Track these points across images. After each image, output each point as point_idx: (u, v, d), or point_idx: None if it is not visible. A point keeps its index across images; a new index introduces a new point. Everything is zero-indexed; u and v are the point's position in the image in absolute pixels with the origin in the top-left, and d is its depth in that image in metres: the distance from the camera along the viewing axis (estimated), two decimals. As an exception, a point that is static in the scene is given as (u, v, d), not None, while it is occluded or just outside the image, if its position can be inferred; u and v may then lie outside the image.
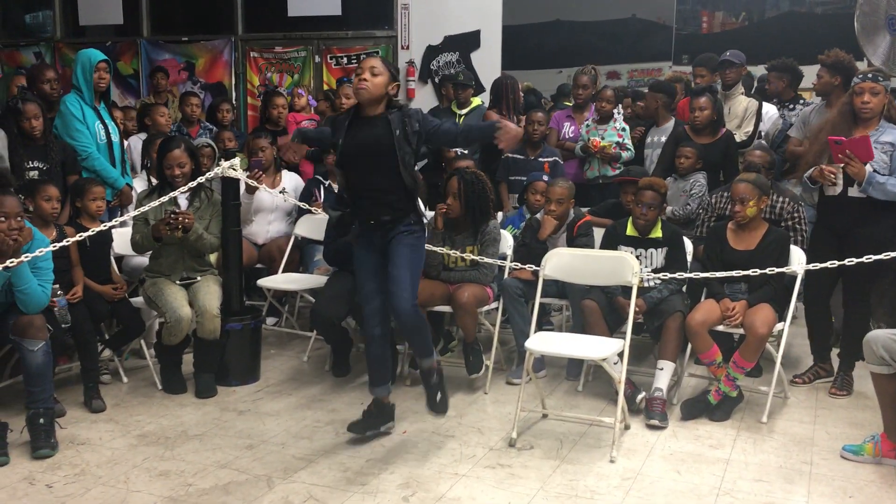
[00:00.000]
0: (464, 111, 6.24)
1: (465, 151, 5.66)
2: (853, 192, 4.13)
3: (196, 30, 8.64)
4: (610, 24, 11.87)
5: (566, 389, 4.42)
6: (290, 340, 5.34)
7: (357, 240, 3.62)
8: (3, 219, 3.49)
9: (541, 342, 3.84)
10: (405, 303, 3.41)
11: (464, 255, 4.42)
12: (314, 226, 5.24)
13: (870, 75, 4.16)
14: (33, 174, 4.49)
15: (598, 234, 4.66)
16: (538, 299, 4.10)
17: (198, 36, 8.59)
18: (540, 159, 5.56)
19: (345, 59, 8.13)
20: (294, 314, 5.70)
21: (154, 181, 4.84)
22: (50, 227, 4.08)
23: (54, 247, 3.74)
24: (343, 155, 3.47)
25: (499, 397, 4.31)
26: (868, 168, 4.00)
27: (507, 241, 4.66)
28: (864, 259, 3.78)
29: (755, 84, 7.06)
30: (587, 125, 5.86)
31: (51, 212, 4.07)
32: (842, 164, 4.01)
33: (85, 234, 3.96)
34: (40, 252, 3.61)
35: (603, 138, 5.71)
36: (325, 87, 7.87)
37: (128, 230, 4.53)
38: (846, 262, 3.83)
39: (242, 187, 4.99)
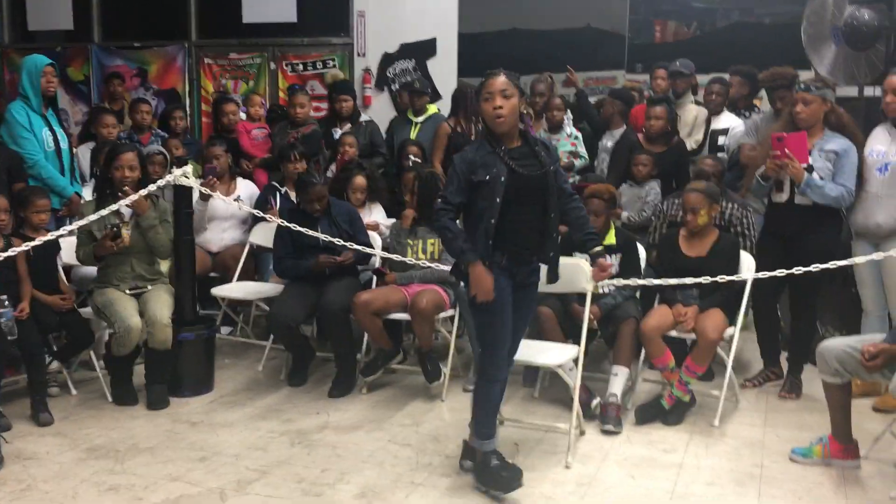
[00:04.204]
0: (420, 119, 6.23)
1: (418, 160, 5.67)
2: (800, 199, 4.22)
3: (149, 35, 8.49)
4: (566, 33, 11.96)
5: (522, 396, 4.44)
6: (246, 350, 5.27)
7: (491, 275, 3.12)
8: None
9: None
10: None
11: (425, 248, 4.49)
12: (269, 234, 5.17)
13: (803, 86, 4.26)
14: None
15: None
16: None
17: (150, 42, 8.45)
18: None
19: (300, 66, 8.07)
20: (249, 323, 5.63)
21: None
22: (-5, 236, 3.99)
23: (-1, 257, 3.65)
24: (509, 189, 3.07)
25: (455, 405, 4.31)
26: (815, 175, 4.10)
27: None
28: (811, 268, 3.85)
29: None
30: (540, 135, 5.90)
31: None
32: (782, 165, 4.09)
33: (30, 245, 3.86)
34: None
35: (556, 147, 5.75)
36: (281, 97, 7.79)
37: (74, 240, 4.43)
38: (794, 270, 3.91)
39: (196, 195, 4.94)
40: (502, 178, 3.07)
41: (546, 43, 11.65)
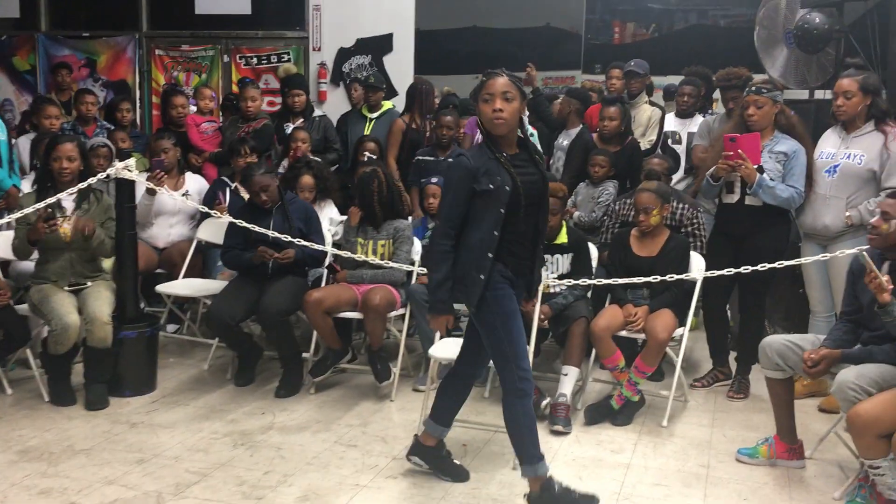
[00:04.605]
0: (374, 115, 6.16)
1: (374, 157, 5.59)
2: (750, 199, 4.24)
3: (98, 25, 8.27)
4: (525, 31, 12.00)
5: (472, 396, 4.32)
6: (192, 349, 5.15)
7: (501, 287, 3.00)
8: None
9: (445, 349, 3.80)
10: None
11: (375, 249, 4.43)
12: (217, 230, 5.06)
13: (754, 88, 4.29)
14: None
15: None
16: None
17: (100, 31, 8.23)
18: (450, 160, 5.52)
19: (254, 60, 7.93)
20: (196, 321, 5.50)
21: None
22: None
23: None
24: (513, 199, 2.92)
25: (405, 405, 4.25)
26: (765, 177, 4.12)
27: (415, 247, 4.61)
28: (759, 267, 3.88)
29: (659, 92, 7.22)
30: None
31: None
32: (735, 165, 4.10)
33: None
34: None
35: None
36: (234, 89, 7.65)
37: (11, 234, 4.28)
38: (742, 269, 3.94)
39: (142, 189, 4.81)
40: (507, 188, 2.89)
41: (504, 41, 11.67)
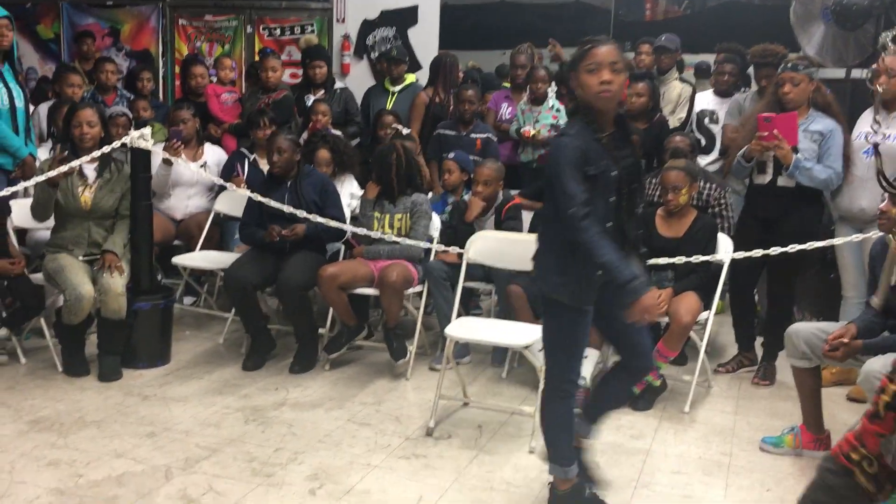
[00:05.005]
0: (397, 88, 6.05)
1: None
2: (782, 180, 4.10)
3: (122, -6, 8.23)
4: (553, 6, 11.76)
5: (490, 376, 4.31)
6: (208, 322, 5.10)
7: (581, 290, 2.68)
8: None
9: (462, 328, 3.71)
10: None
11: (392, 223, 4.35)
12: (235, 203, 5.00)
13: (790, 65, 4.12)
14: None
15: (528, 217, 4.55)
16: (461, 284, 3.97)
17: (123, 0, 8.18)
18: (472, 136, 5.42)
19: (278, 31, 7.83)
20: (214, 294, 5.45)
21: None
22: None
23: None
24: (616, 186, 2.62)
25: (421, 384, 4.17)
26: (801, 157, 3.97)
27: (434, 223, 4.52)
28: (788, 248, 3.75)
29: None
30: (521, 107, 5.73)
31: None
32: (770, 146, 3.96)
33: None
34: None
35: (538, 120, 5.60)
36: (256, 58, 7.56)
37: (28, 201, 4.24)
38: (771, 251, 3.80)
39: (158, 159, 4.75)
40: (612, 173, 2.58)
41: (532, 16, 11.44)
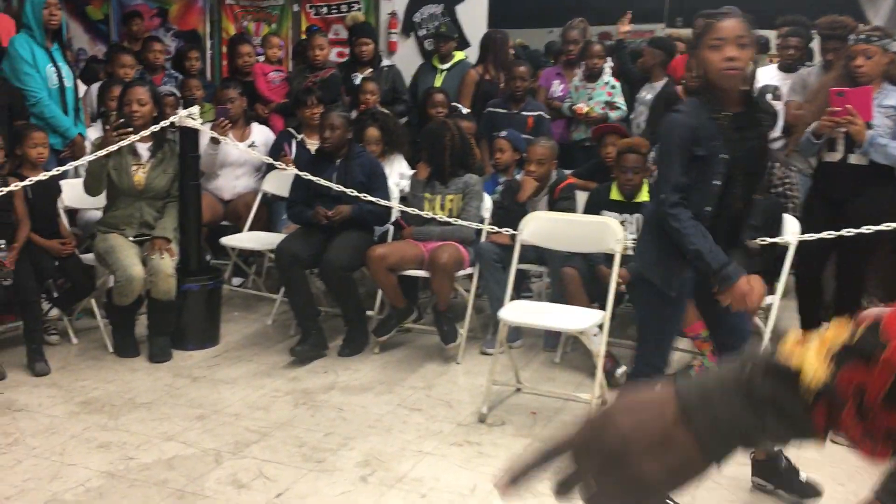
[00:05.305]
0: (445, 66, 5.93)
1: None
2: (854, 158, 3.88)
3: (170, -26, 8.21)
4: (604, -17, 11.47)
5: (542, 361, 4.20)
6: (256, 303, 5.07)
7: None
8: None
9: (516, 312, 3.60)
10: None
11: (444, 204, 4.26)
12: (283, 182, 4.94)
13: (862, 36, 3.89)
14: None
15: (582, 197, 4.41)
16: (514, 266, 3.85)
17: (171, -19, 8.17)
18: (523, 113, 5.27)
19: (324, 9, 7.73)
20: (262, 275, 5.42)
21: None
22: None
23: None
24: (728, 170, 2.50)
25: (471, 368, 4.08)
26: (876, 133, 3.76)
27: (485, 203, 4.40)
28: (862, 230, 3.55)
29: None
30: (575, 84, 5.57)
31: None
32: (843, 122, 3.75)
33: (27, 182, 3.66)
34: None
35: (591, 97, 5.44)
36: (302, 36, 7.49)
37: (79, 181, 4.23)
38: (843, 232, 3.61)
39: (206, 138, 4.71)
40: (721, 155, 2.45)
41: (583, -8, 11.19)
